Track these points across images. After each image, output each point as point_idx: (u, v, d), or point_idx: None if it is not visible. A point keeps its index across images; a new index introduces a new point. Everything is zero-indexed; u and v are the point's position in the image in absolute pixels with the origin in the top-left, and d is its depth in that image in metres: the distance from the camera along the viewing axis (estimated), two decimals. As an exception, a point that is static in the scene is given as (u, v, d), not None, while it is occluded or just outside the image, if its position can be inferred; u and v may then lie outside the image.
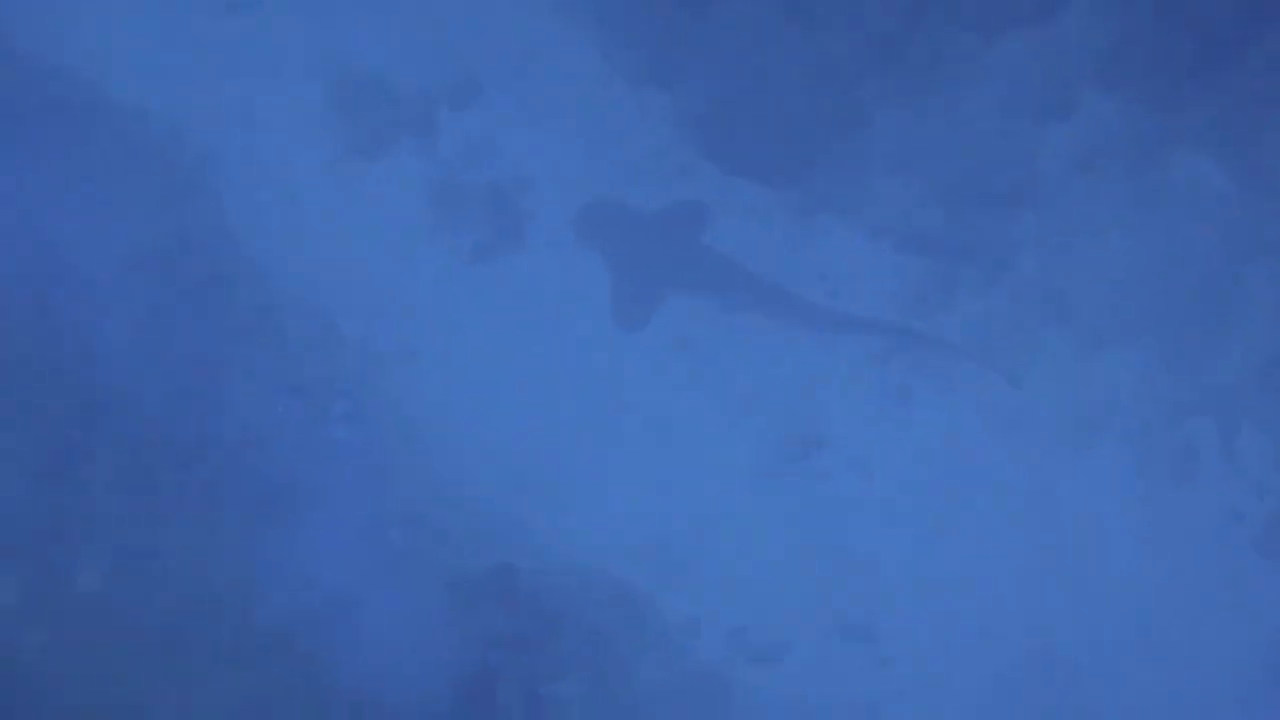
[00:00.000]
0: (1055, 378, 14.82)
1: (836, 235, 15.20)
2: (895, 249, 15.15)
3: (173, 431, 13.68)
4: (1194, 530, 14.40)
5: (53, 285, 14.05)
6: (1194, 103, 14.82)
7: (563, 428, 14.75)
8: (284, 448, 13.88)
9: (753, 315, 14.91)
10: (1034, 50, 14.97)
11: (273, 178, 15.12)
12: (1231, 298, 14.77)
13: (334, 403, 14.35)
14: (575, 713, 13.47)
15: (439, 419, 14.67)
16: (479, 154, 15.44)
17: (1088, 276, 14.93)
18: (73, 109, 15.08)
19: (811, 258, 15.16)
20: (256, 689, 12.94)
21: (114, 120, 15.11)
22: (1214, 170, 14.84)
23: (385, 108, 15.41)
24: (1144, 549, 14.43)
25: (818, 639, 14.20)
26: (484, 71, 15.62)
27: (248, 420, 13.91)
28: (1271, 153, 14.68)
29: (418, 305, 15.04)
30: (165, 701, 12.75)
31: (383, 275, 15.06)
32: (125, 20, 15.64)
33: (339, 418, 14.35)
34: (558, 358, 14.92)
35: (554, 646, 13.63)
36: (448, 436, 14.62)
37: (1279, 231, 14.78)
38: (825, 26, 15.06)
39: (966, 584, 14.33)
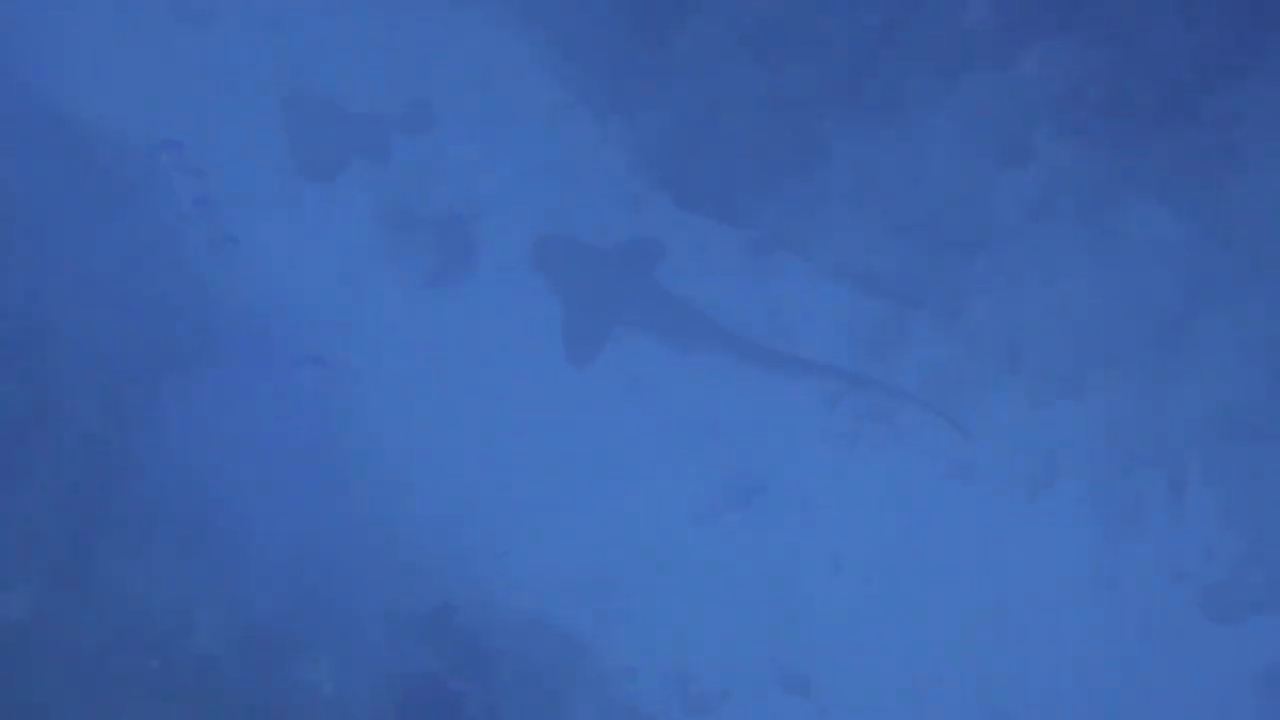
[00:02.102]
0: (1005, 426, 14.69)
1: (790, 274, 15.07)
2: (849, 290, 15.03)
3: (108, 453, 13.29)
4: (1139, 586, 14.34)
5: (-6, 298, 13.63)
6: (1151, 151, 14.69)
7: (507, 461, 14.63)
8: (221, 471, 13.54)
9: (702, 354, 14.76)
10: (993, 92, 14.81)
11: (221, 195, 14.71)
12: (1185, 348, 14.67)
13: (273, 425, 13.97)
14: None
15: (380, 446, 14.50)
16: (432, 179, 15.27)
17: (1040, 324, 14.80)
18: (20, 120, 14.64)
19: (764, 296, 15.03)
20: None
21: (63, 133, 14.74)
22: (1169, 219, 14.72)
23: (338, 129, 15.23)
24: (1088, 603, 14.37)
25: (756, 688, 14.07)
26: (439, 96, 15.44)
27: (185, 443, 13.55)
28: (1226, 203, 14.61)
29: (364, 329, 14.92)
30: (93, 734, 12.45)
31: (329, 297, 14.88)
32: (77, 30, 15.28)
33: (279, 440, 13.99)
34: (504, 389, 14.78)
35: (489, 687, 13.32)
36: (388, 464, 14.43)
37: (1233, 282, 14.62)
38: (785, 59, 14.88)
39: (909, 634, 14.23)
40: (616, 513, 14.50)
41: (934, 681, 14.20)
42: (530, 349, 14.89)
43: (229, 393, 13.96)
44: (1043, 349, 14.83)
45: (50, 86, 14.98)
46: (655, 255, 15.06)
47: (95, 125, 14.82)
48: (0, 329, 13.39)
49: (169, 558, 13.01)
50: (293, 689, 13.02)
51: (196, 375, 13.94)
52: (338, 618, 13.32)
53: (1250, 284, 14.59)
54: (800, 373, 14.73)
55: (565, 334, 14.86)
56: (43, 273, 13.86)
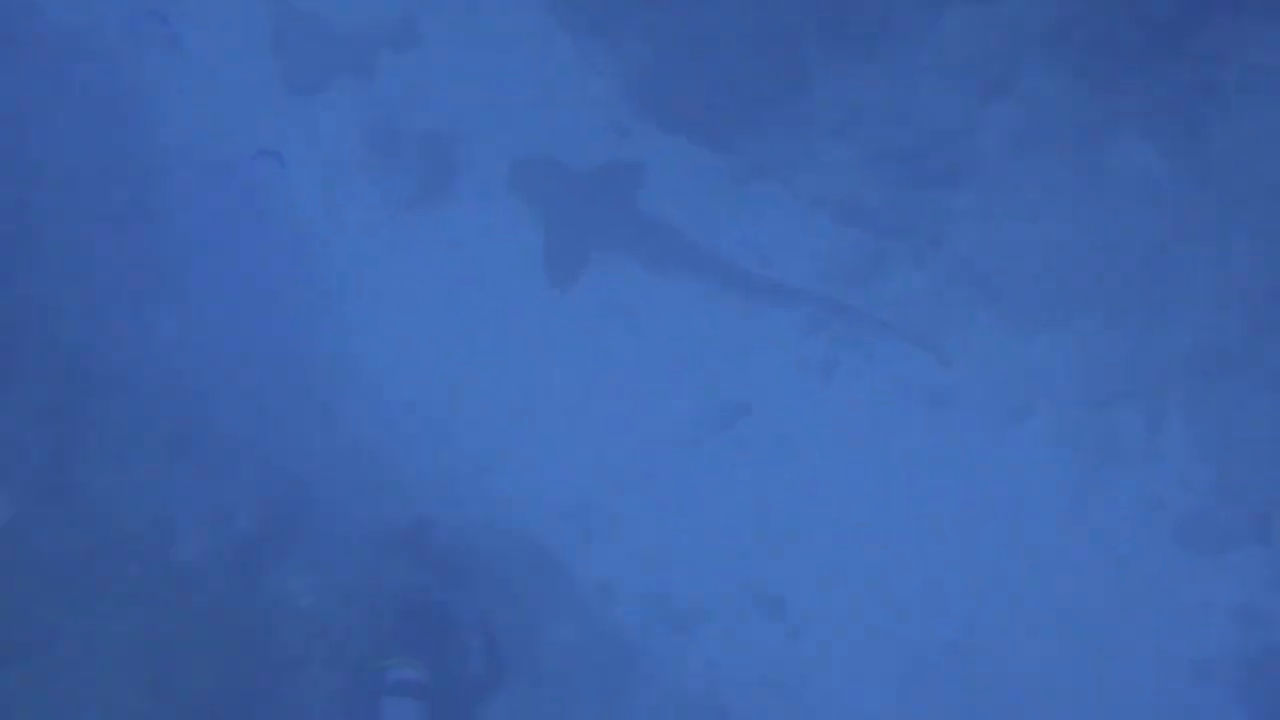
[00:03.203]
0: (983, 358, 14.76)
1: (771, 202, 15.08)
2: (829, 219, 15.04)
3: (91, 363, 13.27)
4: (1115, 517, 14.41)
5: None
6: (1136, 87, 14.70)
7: (487, 382, 14.65)
8: (204, 386, 13.56)
9: (683, 279, 14.79)
10: (980, 25, 14.81)
11: (206, 109, 14.80)
12: (1165, 285, 14.72)
13: (255, 340, 14.00)
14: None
15: (362, 364, 14.59)
16: (416, 100, 15.28)
17: (1021, 257, 14.83)
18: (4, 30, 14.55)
19: (745, 223, 15.09)
20: (167, 629, 12.66)
21: (49, 44, 14.73)
22: (1153, 156, 14.76)
23: (324, 46, 15.17)
24: (1066, 534, 14.45)
25: (733, 610, 14.16)
26: (425, 17, 15.41)
27: (167, 356, 13.56)
28: (1210, 141, 14.64)
29: (345, 248, 14.93)
30: (73, 639, 12.44)
31: (311, 215, 14.90)
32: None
33: (262, 354, 14.03)
34: (485, 311, 14.82)
35: (465, 604, 13.36)
36: (371, 384, 14.57)
37: (1215, 220, 14.66)
38: (770, -10, 14.76)
39: (885, 564, 14.31)
40: (596, 434, 14.60)
41: (908, 609, 14.24)
42: (511, 271, 14.94)
43: (209, 306, 13.90)
44: (1023, 281, 14.87)
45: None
46: (636, 180, 15.10)
47: (78, 35, 14.69)
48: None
49: (151, 468, 13.00)
50: (273, 600, 12.99)
51: (177, 288, 13.84)
52: (318, 531, 13.31)
53: (1231, 222, 14.64)
54: (780, 299, 14.79)
55: (546, 257, 14.85)
56: (26, 183, 13.74)
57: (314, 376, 14.23)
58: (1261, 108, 14.62)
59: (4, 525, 12.51)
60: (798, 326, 14.92)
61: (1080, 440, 14.63)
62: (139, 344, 13.55)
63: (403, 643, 12.45)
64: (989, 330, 14.85)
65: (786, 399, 14.74)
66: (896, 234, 14.95)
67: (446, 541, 13.53)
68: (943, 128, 14.89)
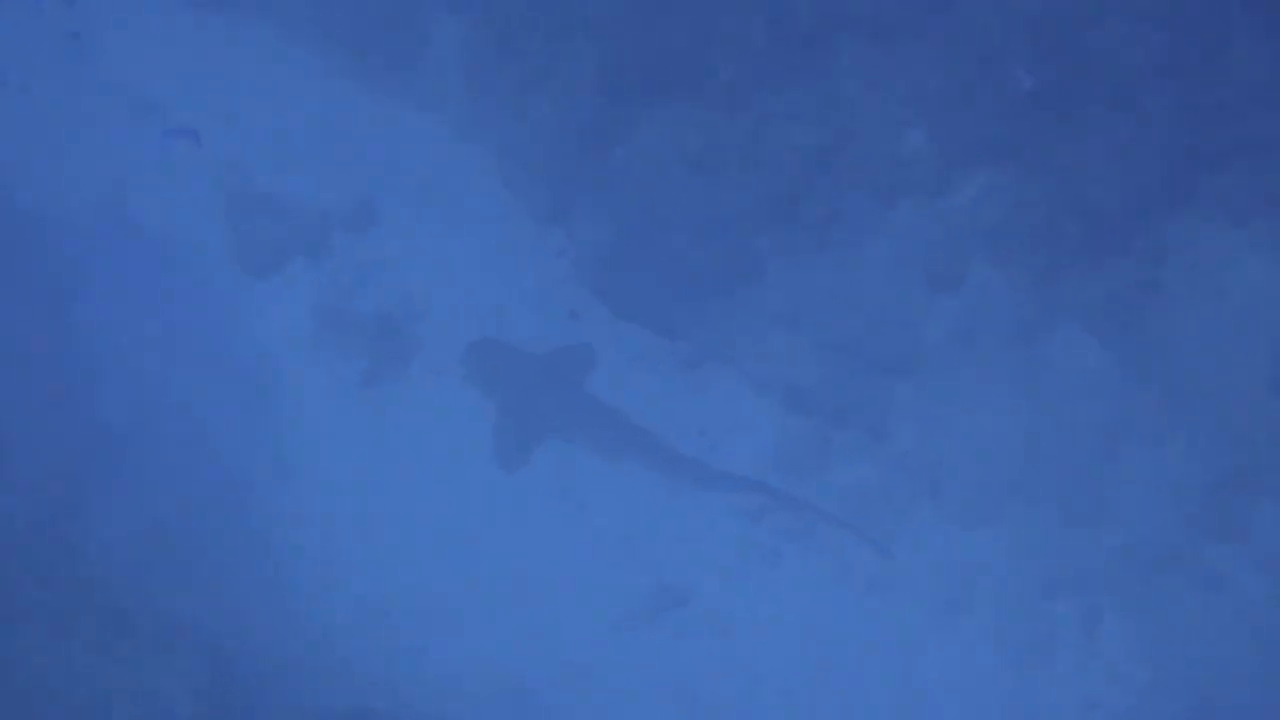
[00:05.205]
0: (923, 550, 14.91)
1: (720, 388, 15.23)
2: (777, 407, 15.13)
3: (33, 545, 13.28)
4: (1050, 715, 14.30)
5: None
6: (1079, 284, 14.94)
7: (431, 565, 14.60)
8: (142, 568, 13.56)
9: (630, 464, 14.81)
10: (928, 218, 14.98)
11: (155, 287, 14.81)
12: (1104, 480, 14.87)
13: (198, 522, 14.02)
14: None
15: (304, 544, 14.47)
16: (371, 279, 15.33)
17: (964, 449, 14.99)
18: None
19: (694, 410, 15.20)
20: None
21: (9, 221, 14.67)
22: (1095, 351, 14.98)
23: (280, 226, 15.16)
24: (1001, 728, 14.33)
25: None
26: (382, 197, 15.46)
27: (109, 537, 13.56)
28: (1151, 338, 14.85)
29: (295, 426, 14.84)
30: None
31: (262, 392, 14.81)
32: (34, 122, 15.29)
33: (202, 536, 14.04)
34: (432, 492, 14.78)
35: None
36: (311, 564, 14.44)
37: (1154, 416, 14.81)
38: (724, 177, 15.03)
39: (823, 753, 14.20)
40: (537, 620, 14.59)
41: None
42: (460, 453, 14.92)
43: (155, 488, 13.93)
44: (965, 474, 15.04)
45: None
46: (589, 363, 15.13)
47: (39, 217, 14.73)
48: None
49: (89, 652, 12.96)
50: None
51: (123, 469, 13.87)
52: (255, 717, 13.25)
53: (1170, 419, 14.78)
54: (725, 487, 14.82)
55: (495, 439, 14.86)
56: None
57: (256, 557, 14.16)
58: (1202, 306, 14.87)
59: (-62, 708, 12.44)
60: (742, 514, 14.96)
61: (1016, 635, 14.72)
62: (80, 524, 13.48)
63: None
64: (928, 522, 15.04)
65: (729, 587, 14.83)
66: (840, 423, 15.11)
67: (385, 729, 13.48)
68: (889, 318, 15.09)
